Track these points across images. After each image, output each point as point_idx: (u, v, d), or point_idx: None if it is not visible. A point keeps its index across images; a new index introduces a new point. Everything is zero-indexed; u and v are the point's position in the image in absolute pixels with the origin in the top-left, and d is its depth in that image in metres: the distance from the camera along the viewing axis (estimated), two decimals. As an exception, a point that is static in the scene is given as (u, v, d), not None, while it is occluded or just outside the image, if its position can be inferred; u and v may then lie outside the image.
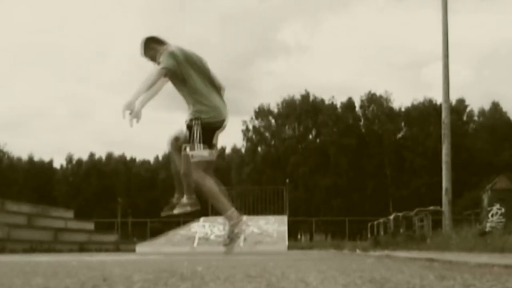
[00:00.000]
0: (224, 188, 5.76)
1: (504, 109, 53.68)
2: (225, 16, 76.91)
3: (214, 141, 5.32)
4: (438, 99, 44.38)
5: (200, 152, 5.15)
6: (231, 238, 5.34)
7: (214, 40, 76.49)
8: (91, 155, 61.49)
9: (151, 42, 5.50)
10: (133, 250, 12.70)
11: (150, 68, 5.36)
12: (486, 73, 74.56)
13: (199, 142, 5.13)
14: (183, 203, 5.60)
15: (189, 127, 5.18)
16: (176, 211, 5.70)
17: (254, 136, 55.11)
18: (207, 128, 5.16)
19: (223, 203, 5.34)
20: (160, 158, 62.10)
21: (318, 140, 53.77)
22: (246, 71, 79.84)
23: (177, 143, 5.45)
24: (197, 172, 5.19)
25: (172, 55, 5.19)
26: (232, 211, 5.31)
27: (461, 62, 71.83)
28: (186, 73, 5.20)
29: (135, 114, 4.96)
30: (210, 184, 5.26)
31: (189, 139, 5.19)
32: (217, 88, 5.38)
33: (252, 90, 78.10)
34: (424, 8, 68.74)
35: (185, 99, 5.30)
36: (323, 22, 78.54)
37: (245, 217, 5.31)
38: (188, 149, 5.18)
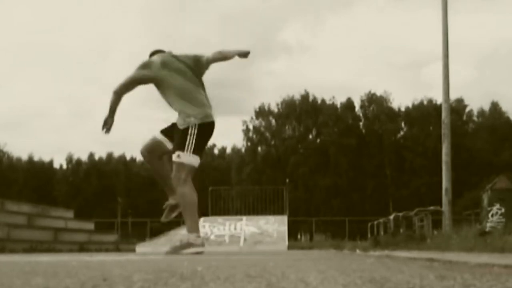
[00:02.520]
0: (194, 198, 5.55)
1: (504, 109, 53.76)
2: (225, 15, 76.95)
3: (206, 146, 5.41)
4: (438, 99, 44.46)
5: (191, 159, 5.13)
6: (181, 246, 5.15)
7: (214, 40, 76.47)
8: (91, 155, 61.51)
9: (155, 55, 5.54)
10: (133, 250, 12.71)
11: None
12: (486, 73, 74.59)
13: (192, 149, 5.11)
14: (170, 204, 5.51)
15: (184, 131, 5.14)
16: (164, 219, 5.61)
17: (254, 136, 55.11)
18: (201, 134, 5.15)
19: (194, 222, 5.21)
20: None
21: (318, 140, 53.77)
22: (247, 71, 79.85)
23: (152, 154, 5.45)
24: (183, 176, 5.10)
25: (144, 65, 5.31)
26: (196, 235, 5.14)
27: (461, 62, 71.89)
28: (166, 80, 5.22)
29: (109, 127, 5.45)
30: (189, 192, 5.13)
31: (180, 143, 5.13)
32: (204, 90, 5.39)
33: (253, 90, 78.17)
34: (424, 8, 68.73)
35: (172, 105, 5.29)
36: (324, 22, 78.59)
37: (201, 249, 5.11)
38: (180, 154, 5.12)
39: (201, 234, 5.43)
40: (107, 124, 5.42)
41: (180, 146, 5.13)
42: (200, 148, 5.18)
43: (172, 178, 5.19)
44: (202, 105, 5.24)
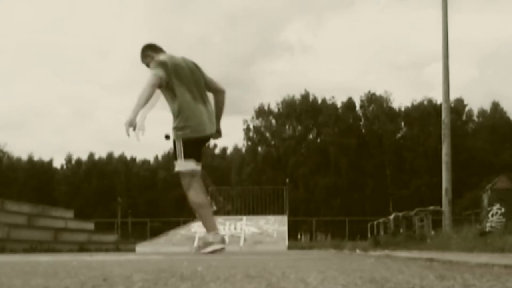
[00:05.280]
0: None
1: (505, 109, 53.75)
2: (228, 15, 76.94)
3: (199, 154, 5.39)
4: (438, 99, 44.44)
5: (185, 164, 5.22)
6: (202, 245, 5.32)
7: (217, 39, 76.54)
8: (91, 155, 61.50)
9: (148, 49, 5.53)
10: (133, 250, 12.70)
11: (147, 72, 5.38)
12: (487, 73, 74.60)
13: (182, 156, 5.20)
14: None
15: (174, 141, 5.28)
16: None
17: (254, 136, 55.11)
18: (188, 143, 5.22)
19: (209, 221, 5.34)
20: (160, 158, 62.11)
21: (318, 140, 53.77)
22: (249, 70, 79.88)
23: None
24: (186, 182, 5.24)
25: (161, 64, 5.23)
26: (214, 233, 5.30)
27: (462, 62, 71.88)
28: (173, 84, 5.23)
29: (139, 127, 5.05)
30: (194, 195, 5.25)
31: (174, 153, 5.29)
32: (205, 101, 5.39)
33: (255, 89, 78.17)
34: (425, 8, 68.76)
35: (171, 108, 5.34)
36: (325, 22, 78.59)
37: (221, 245, 5.25)
38: (175, 163, 5.26)
39: (220, 232, 5.56)
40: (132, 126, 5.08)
41: (174, 156, 5.30)
42: (191, 154, 5.24)
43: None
44: (192, 119, 5.23)
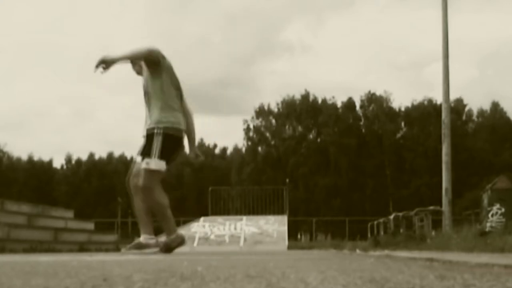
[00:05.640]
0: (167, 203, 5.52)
1: (504, 109, 53.75)
2: (228, 15, 76.94)
3: (173, 156, 5.26)
4: (438, 99, 44.44)
5: (157, 163, 5.06)
6: (164, 246, 5.27)
7: (217, 39, 76.55)
8: (91, 155, 61.50)
9: None
10: (133, 250, 12.69)
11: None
12: (488, 73, 74.60)
13: (158, 153, 5.06)
14: (139, 242, 5.26)
15: (150, 136, 5.13)
16: (125, 249, 5.42)
17: (254, 136, 55.11)
18: (168, 139, 5.11)
19: (170, 221, 5.27)
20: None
21: (318, 140, 53.77)
22: (249, 70, 79.88)
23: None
24: (149, 182, 5.07)
25: (159, 51, 5.25)
26: (176, 235, 5.27)
27: (462, 61, 71.88)
28: (165, 75, 5.19)
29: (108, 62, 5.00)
30: (159, 196, 5.16)
31: (146, 148, 5.12)
32: (180, 105, 5.31)
33: (255, 89, 78.16)
34: (425, 8, 68.75)
35: (152, 99, 5.23)
36: (325, 21, 78.58)
37: (156, 249, 5.22)
38: (148, 161, 5.06)
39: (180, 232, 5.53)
40: (105, 64, 5.04)
41: (147, 152, 5.11)
42: (167, 153, 5.11)
43: (140, 187, 5.12)
44: (173, 111, 5.19)
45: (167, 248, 5.23)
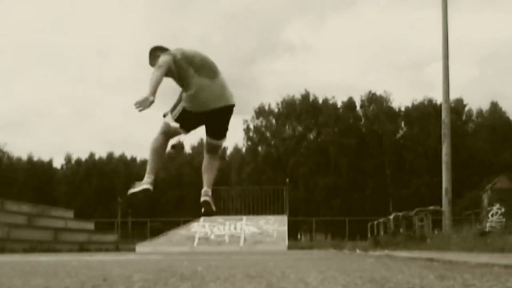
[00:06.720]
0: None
1: (504, 108, 53.74)
2: (229, 15, 76.94)
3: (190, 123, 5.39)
4: (438, 99, 44.46)
5: (170, 120, 5.33)
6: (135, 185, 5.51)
7: (217, 39, 76.53)
8: (91, 155, 61.49)
9: (157, 51, 5.57)
10: (133, 250, 12.71)
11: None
12: (487, 73, 74.58)
13: (173, 117, 5.31)
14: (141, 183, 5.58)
15: (179, 99, 5.38)
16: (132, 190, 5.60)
17: (254, 136, 55.11)
18: (186, 113, 5.29)
19: (152, 165, 5.50)
20: (160, 158, 62.02)
21: (318, 140, 53.77)
22: (249, 70, 79.86)
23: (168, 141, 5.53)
24: (160, 130, 5.37)
25: (168, 52, 5.32)
26: (151, 179, 5.45)
27: (462, 61, 71.85)
28: (181, 67, 5.30)
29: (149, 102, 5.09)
30: (157, 144, 5.40)
31: (174, 106, 5.37)
32: (215, 76, 5.42)
33: (255, 89, 78.14)
34: (425, 8, 68.75)
35: (182, 88, 5.41)
36: (325, 21, 78.56)
37: (147, 186, 5.45)
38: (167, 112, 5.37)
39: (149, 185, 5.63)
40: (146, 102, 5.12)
41: (172, 108, 5.39)
42: (182, 121, 5.32)
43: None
44: (198, 97, 5.32)
45: (131, 192, 5.45)
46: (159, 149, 5.46)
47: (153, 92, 5.11)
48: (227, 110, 5.44)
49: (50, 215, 11.21)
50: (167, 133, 5.41)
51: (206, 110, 5.36)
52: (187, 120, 5.38)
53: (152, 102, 5.07)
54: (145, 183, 5.43)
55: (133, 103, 5.04)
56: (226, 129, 5.64)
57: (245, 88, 77.27)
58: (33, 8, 77.12)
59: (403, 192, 48.03)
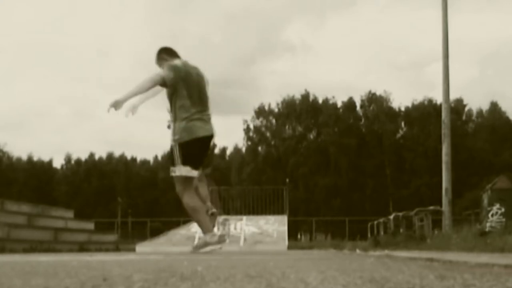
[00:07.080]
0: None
1: (504, 108, 53.75)
2: (229, 15, 76.94)
3: (200, 158, 5.49)
4: (438, 99, 44.43)
5: (180, 169, 5.36)
6: (199, 245, 5.63)
7: (217, 39, 76.53)
8: (91, 155, 61.49)
9: (163, 52, 5.59)
10: (133, 250, 12.71)
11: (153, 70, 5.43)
12: (488, 73, 74.60)
13: (179, 162, 5.34)
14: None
15: (171, 148, 5.42)
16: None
17: (254, 136, 55.11)
18: (186, 147, 5.32)
19: (204, 223, 5.57)
20: (160, 158, 62.10)
21: (318, 140, 53.76)
22: (249, 70, 79.87)
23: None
24: (181, 187, 5.39)
25: (174, 68, 5.32)
26: (211, 234, 5.54)
27: (462, 61, 71.87)
28: (178, 90, 5.31)
29: (131, 109, 5.32)
30: (189, 200, 5.43)
31: (171, 159, 5.44)
32: (205, 108, 5.48)
33: (255, 89, 78.16)
34: (425, 8, 68.72)
35: (171, 112, 5.44)
36: (325, 21, 78.57)
37: (218, 245, 5.58)
38: (172, 169, 5.42)
39: (217, 232, 5.88)
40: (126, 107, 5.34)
41: (172, 162, 5.44)
42: (189, 160, 5.34)
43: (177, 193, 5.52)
44: (187, 123, 5.33)
45: (202, 246, 5.51)
46: (197, 206, 5.52)
47: (127, 99, 5.19)
48: (211, 139, 5.56)
49: (50, 215, 11.21)
50: (187, 183, 5.43)
51: (196, 137, 5.37)
52: (189, 156, 5.37)
53: (121, 106, 5.12)
54: (210, 239, 5.49)
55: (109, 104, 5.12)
56: (212, 158, 5.82)
57: (245, 88, 77.40)
58: (33, 8, 77.19)
59: (403, 192, 48.04)
